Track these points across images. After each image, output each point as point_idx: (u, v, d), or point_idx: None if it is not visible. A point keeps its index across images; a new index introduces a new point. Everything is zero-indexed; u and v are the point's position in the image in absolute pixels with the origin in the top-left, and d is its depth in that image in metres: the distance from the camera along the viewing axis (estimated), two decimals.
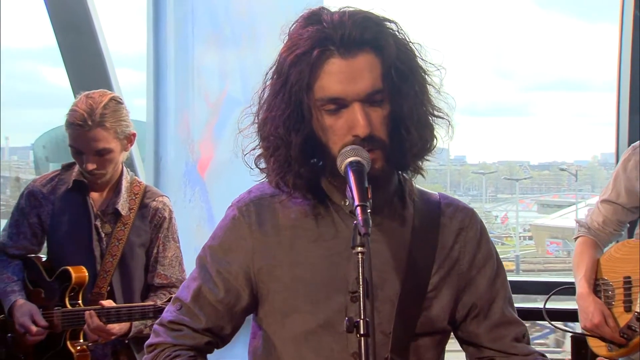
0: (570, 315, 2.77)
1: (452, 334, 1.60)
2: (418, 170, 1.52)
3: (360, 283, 1.23)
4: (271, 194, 1.55)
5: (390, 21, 1.47)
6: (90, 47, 3.81)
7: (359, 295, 1.23)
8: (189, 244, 2.90)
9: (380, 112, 1.44)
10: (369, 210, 1.29)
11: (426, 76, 1.49)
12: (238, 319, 1.57)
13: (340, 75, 1.41)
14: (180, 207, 3.58)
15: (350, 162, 1.38)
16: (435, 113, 1.50)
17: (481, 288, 1.56)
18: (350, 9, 1.46)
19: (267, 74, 1.49)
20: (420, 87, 1.47)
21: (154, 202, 2.63)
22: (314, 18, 1.45)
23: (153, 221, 2.61)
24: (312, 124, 1.46)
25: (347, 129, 1.43)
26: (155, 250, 2.62)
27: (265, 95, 1.50)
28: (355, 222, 1.28)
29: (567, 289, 2.80)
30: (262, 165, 1.53)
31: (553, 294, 2.79)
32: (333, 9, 1.46)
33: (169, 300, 2.33)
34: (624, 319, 2.52)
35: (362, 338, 1.21)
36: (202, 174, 3.83)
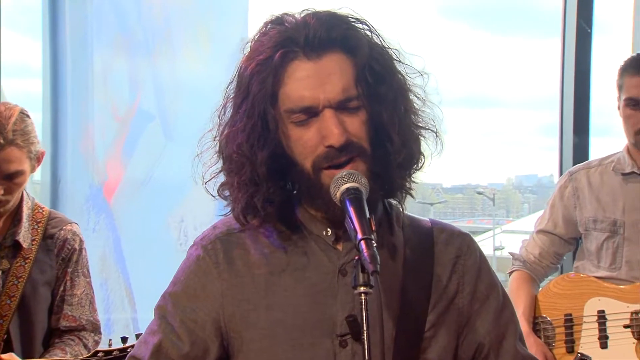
0: None
1: None
2: (405, 189, 1.45)
3: (365, 329, 1.18)
4: (239, 229, 1.48)
5: (361, 21, 1.43)
6: None
7: (362, 340, 1.19)
8: (93, 279, 2.72)
9: (356, 118, 1.37)
10: (374, 245, 1.21)
11: (406, 83, 1.44)
12: None
13: (307, 80, 1.36)
14: (83, 236, 3.40)
15: (347, 189, 1.31)
16: (420, 124, 1.44)
17: (487, 324, 1.49)
18: (315, 10, 1.42)
19: (226, 90, 1.45)
20: (400, 91, 1.42)
21: (62, 232, 2.44)
22: (276, 22, 1.43)
23: (61, 254, 2.43)
24: (278, 138, 1.39)
25: (319, 140, 1.36)
26: (61, 288, 2.44)
27: (226, 113, 1.44)
28: (356, 257, 1.22)
29: None
30: (226, 193, 1.46)
31: None
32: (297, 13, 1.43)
33: (94, 355, 2.17)
34: None
35: None
36: (109, 199, 3.66)
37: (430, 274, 1.46)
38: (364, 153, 1.37)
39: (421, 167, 1.45)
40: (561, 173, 3.91)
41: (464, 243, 1.52)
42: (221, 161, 1.44)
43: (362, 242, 1.22)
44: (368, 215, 1.27)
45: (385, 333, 1.36)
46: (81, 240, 2.48)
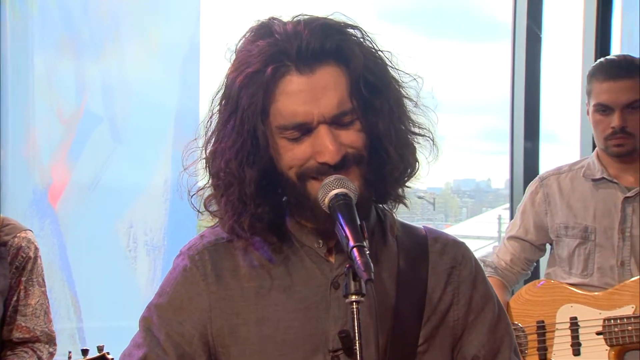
0: None
1: None
2: (400, 199, 1.45)
3: (357, 339, 1.18)
4: (228, 238, 1.46)
5: (353, 27, 1.40)
6: None
7: (354, 351, 1.18)
8: None
9: (351, 129, 1.36)
10: (367, 252, 1.21)
11: (401, 89, 1.43)
12: None
13: (300, 95, 1.33)
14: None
15: (336, 195, 1.30)
16: (416, 131, 1.43)
17: (482, 336, 1.48)
18: (306, 17, 1.38)
19: (213, 99, 1.41)
20: (395, 101, 1.40)
21: (16, 239, 2.39)
22: (264, 30, 1.38)
23: (14, 262, 2.37)
24: (269, 154, 1.37)
25: (311, 154, 1.34)
26: (15, 298, 2.38)
27: (213, 125, 1.41)
28: (348, 265, 1.22)
29: None
30: (214, 207, 1.44)
31: None
32: (285, 19, 1.39)
33: None
34: None
35: None
36: (54, 204, 3.61)
37: (424, 285, 1.45)
38: (361, 160, 1.36)
39: (416, 174, 1.45)
40: (512, 179, 4.00)
41: (458, 252, 1.51)
42: (207, 175, 1.42)
43: (355, 250, 1.20)
44: (359, 222, 1.26)
45: (379, 347, 1.35)
46: (36, 248, 2.42)
